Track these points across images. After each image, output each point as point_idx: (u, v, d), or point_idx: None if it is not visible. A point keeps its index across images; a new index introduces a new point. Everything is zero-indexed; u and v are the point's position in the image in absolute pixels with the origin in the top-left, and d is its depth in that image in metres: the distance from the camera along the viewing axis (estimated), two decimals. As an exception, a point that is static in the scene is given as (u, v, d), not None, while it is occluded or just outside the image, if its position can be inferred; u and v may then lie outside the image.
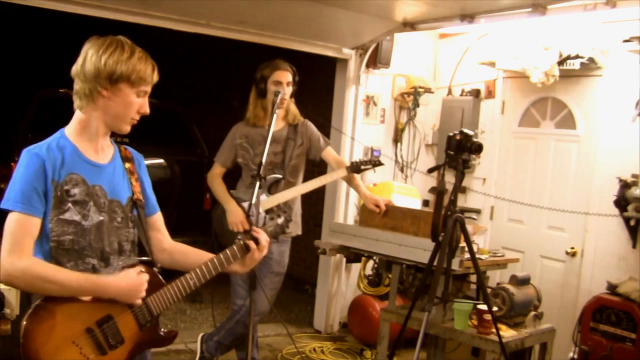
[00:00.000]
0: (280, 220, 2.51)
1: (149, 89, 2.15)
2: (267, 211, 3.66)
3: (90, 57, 2.06)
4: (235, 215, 3.83)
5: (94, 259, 2.10)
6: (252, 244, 2.31)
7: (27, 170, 2.02)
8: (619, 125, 4.55)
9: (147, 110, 2.16)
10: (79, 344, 2.00)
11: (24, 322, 1.96)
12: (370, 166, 4.09)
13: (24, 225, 1.99)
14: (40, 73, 8.23)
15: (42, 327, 1.97)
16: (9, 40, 8.77)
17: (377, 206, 4.08)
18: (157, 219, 2.34)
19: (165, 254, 2.33)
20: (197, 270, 2.23)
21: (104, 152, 2.18)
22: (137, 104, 2.12)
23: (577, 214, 4.73)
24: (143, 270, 2.13)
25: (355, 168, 4.02)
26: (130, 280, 2.08)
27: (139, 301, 2.11)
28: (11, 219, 1.99)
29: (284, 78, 3.87)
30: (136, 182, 2.25)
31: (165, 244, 2.35)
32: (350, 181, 4.19)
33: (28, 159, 2.04)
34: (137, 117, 2.17)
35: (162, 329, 2.21)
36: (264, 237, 2.34)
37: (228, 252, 2.30)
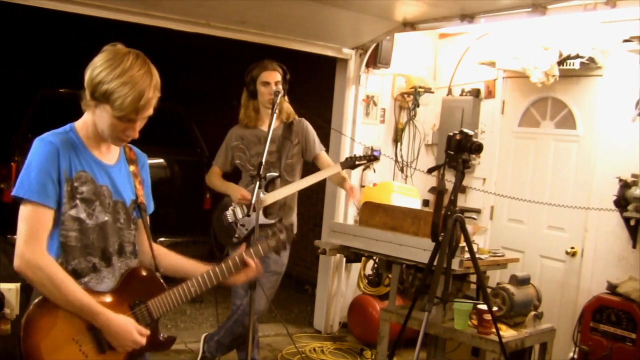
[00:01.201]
0: (282, 236, 2.50)
1: (134, 117, 2.01)
2: (269, 226, 3.67)
3: (92, 64, 2.03)
4: (236, 191, 3.88)
5: (95, 257, 2.10)
6: (250, 261, 2.34)
7: (41, 157, 2.00)
8: (619, 125, 4.55)
9: (133, 135, 2.09)
10: (79, 341, 2.01)
11: (25, 317, 1.97)
12: (365, 161, 4.02)
13: (39, 216, 1.98)
14: (40, 73, 8.22)
15: (43, 322, 1.97)
16: (9, 40, 8.76)
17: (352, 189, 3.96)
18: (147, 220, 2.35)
19: (146, 256, 2.31)
20: (199, 278, 2.25)
21: (111, 153, 2.18)
22: (120, 126, 2.04)
23: (577, 210, 4.72)
24: (147, 333, 2.09)
25: (350, 163, 3.96)
26: (125, 329, 2.03)
27: (122, 349, 2.05)
28: (26, 209, 1.98)
29: (272, 78, 3.86)
30: (140, 185, 2.25)
31: (146, 246, 2.34)
32: (340, 183, 4.10)
33: (42, 146, 2.01)
34: (128, 139, 2.11)
35: (162, 334, 2.21)
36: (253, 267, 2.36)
37: (230, 263, 2.31)
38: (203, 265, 2.32)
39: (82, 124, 2.12)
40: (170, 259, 2.35)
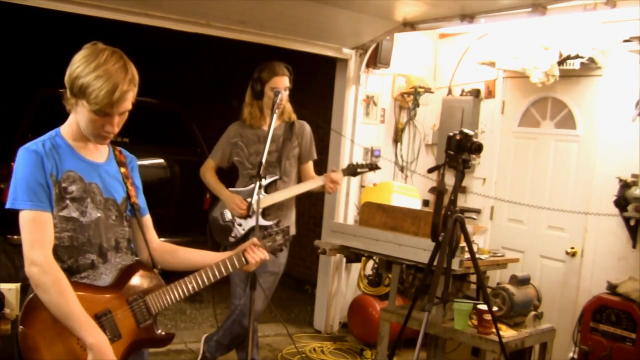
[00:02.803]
0: (278, 238, 2.53)
1: (109, 110, 2.01)
2: (266, 228, 3.66)
3: (71, 62, 2.05)
4: (230, 201, 3.86)
5: (93, 254, 2.12)
6: (249, 257, 2.36)
7: (27, 167, 2.02)
8: (619, 125, 4.55)
9: (114, 130, 2.08)
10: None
11: (22, 310, 1.98)
12: (366, 169, 4.10)
13: (37, 221, 1.99)
14: (40, 73, 8.22)
15: (40, 315, 1.98)
16: (9, 40, 8.76)
17: (333, 182, 3.93)
18: (147, 219, 2.36)
19: (155, 253, 2.33)
20: (197, 276, 2.27)
21: (99, 152, 2.20)
22: (99, 121, 2.05)
23: (577, 213, 4.73)
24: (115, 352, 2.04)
25: (352, 170, 4.01)
26: (101, 345, 1.99)
27: None
28: (24, 218, 2.00)
29: (282, 84, 3.85)
30: (131, 186, 2.27)
31: (155, 244, 2.36)
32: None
33: (26, 155, 2.04)
34: (108, 136, 2.11)
35: (160, 330, 2.22)
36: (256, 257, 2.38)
37: (227, 261, 2.33)
38: (214, 256, 2.35)
39: (68, 127, 2.14)
40: (178, 255, 2.36)
